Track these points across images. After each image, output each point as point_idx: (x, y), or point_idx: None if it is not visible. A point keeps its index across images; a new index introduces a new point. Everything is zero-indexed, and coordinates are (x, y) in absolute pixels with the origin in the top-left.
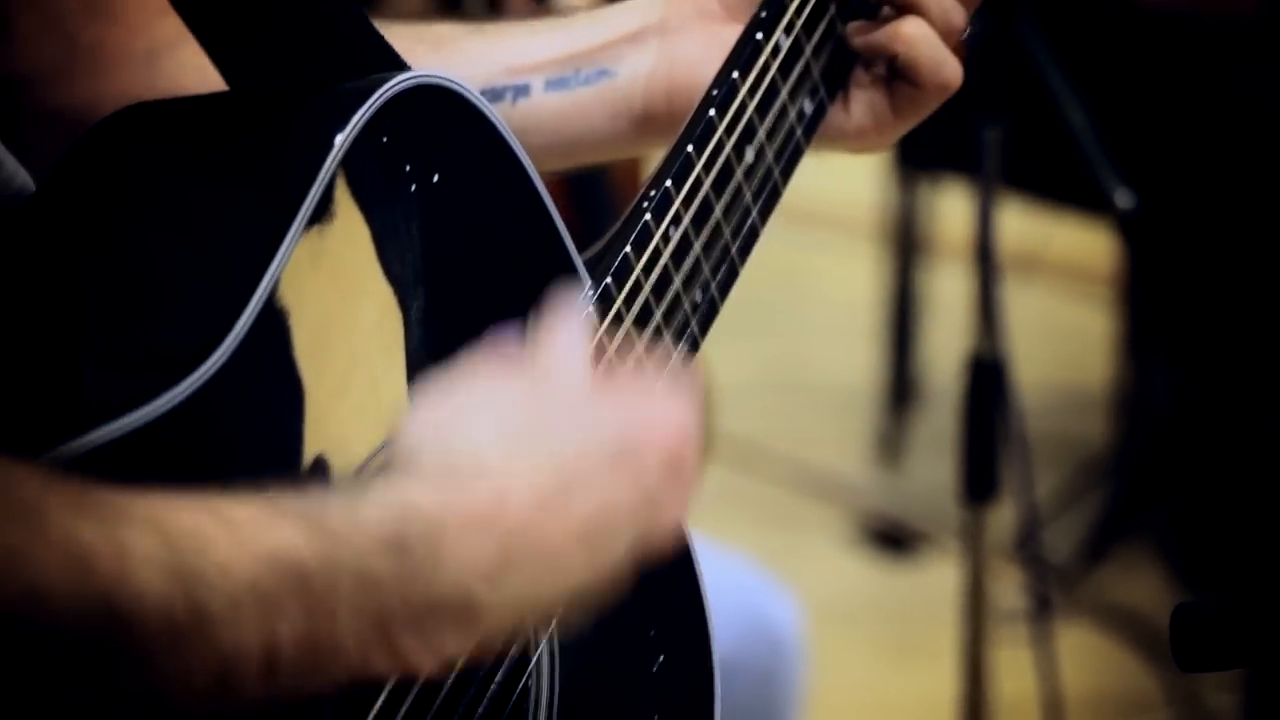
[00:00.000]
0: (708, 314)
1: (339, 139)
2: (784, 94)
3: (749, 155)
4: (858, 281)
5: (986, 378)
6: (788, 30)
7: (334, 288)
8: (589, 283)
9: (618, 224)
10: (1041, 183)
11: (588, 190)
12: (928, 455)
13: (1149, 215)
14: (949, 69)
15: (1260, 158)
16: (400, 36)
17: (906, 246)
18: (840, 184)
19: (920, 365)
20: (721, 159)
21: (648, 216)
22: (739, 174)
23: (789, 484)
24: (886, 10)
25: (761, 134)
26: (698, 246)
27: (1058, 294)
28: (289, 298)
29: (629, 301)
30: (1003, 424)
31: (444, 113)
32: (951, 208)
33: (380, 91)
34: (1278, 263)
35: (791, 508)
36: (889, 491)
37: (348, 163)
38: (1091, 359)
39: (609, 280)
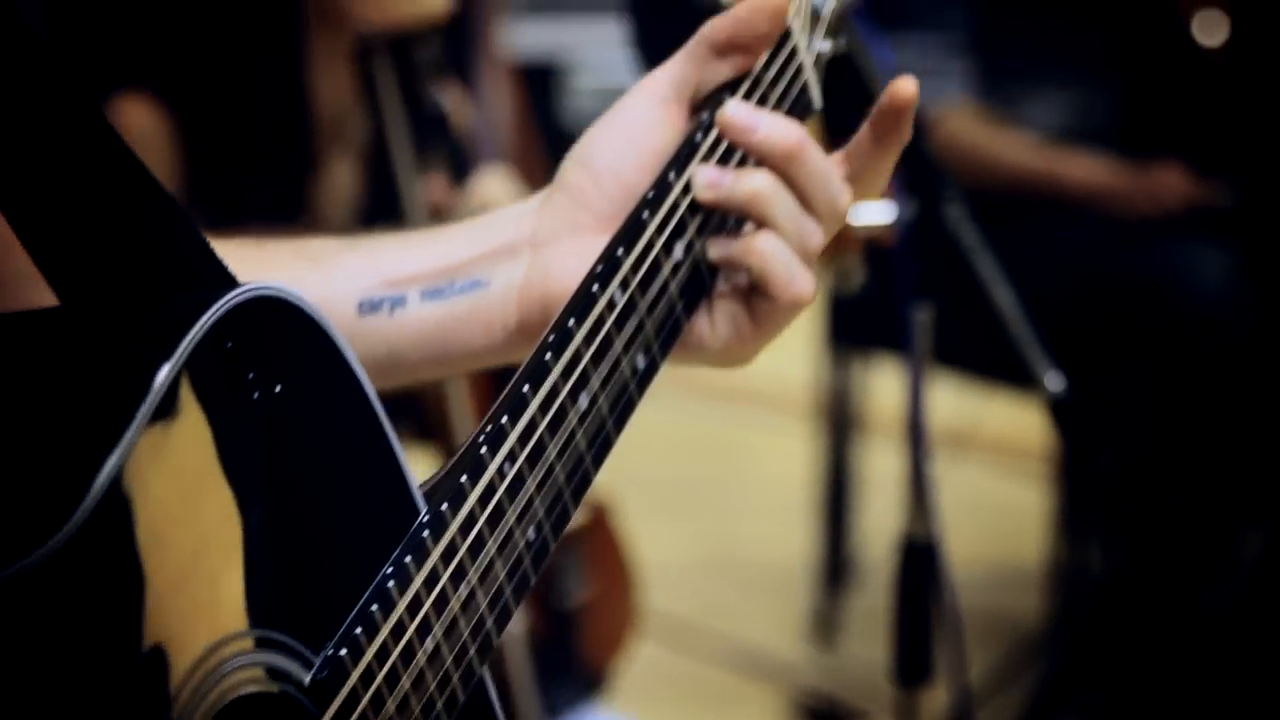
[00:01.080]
0: (539, 553)
1: (187, 336)
2: (618, 347)
3: (583, 402)
4: (792, 459)
5: (919, 559)
6: (623, 286)
7: (176, 483)
8: (424, 508)
9: (458, 453)
10: (973, 361)
11: None
12: (863, 633)
13: (1080, 397)
14: (801, 283)
15: (1185, 330)
16: (279, 252)
17: (840, 424)
18: (773, 362)
19: (855, 542)
20: (556, 404)
21: (484, 450)
22: (572, 419)
23: (723, 662)
24: (748, 226)
25: (595, 383)
26: (531, 486)
27: (992, 470)
28: (131, 487)
29: (464, 531)
30: (936, 605)
31: (289, 326)
32: (884, 385)
33: (229, 297)
34: (1212, 440)
35: (725, 686)
36: (824, 670)
37: (192, 363)
38: (1025, 535)
39: (444, 508)
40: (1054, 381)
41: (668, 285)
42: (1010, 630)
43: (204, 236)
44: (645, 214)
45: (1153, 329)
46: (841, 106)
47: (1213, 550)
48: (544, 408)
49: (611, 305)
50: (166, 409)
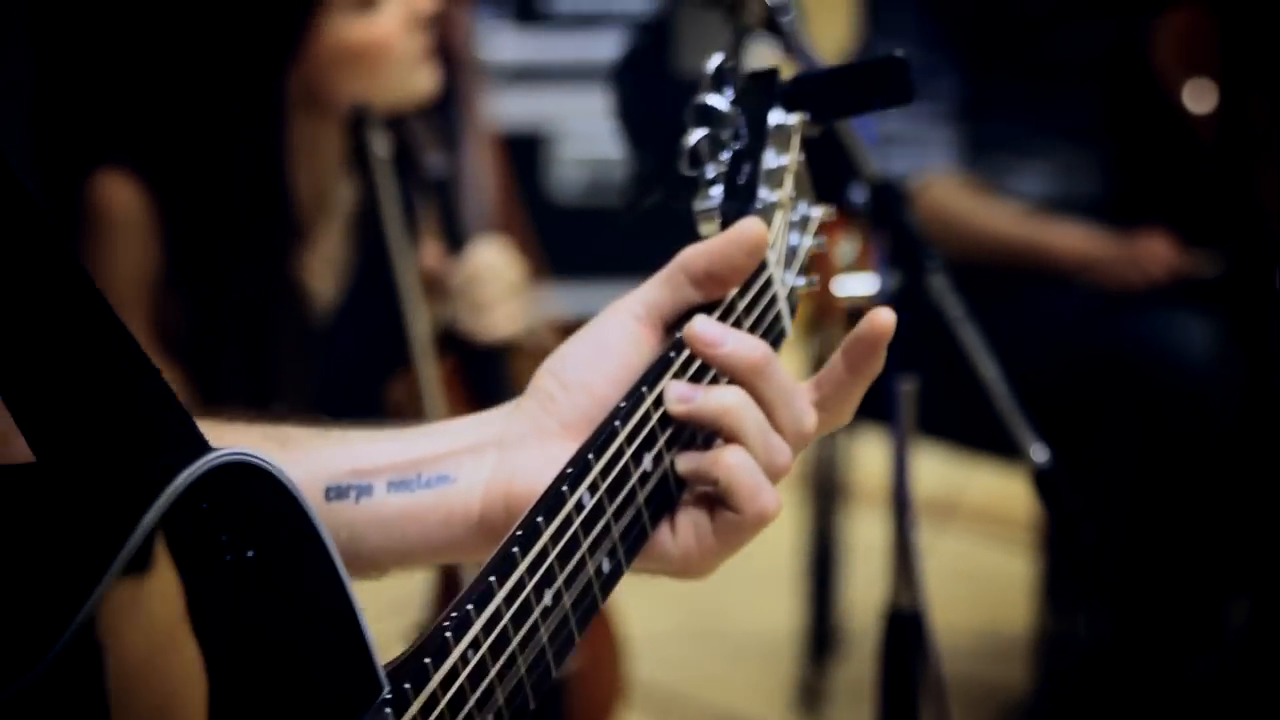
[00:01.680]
0: None
1: (166, 492)
2: (585, 547)
3: (547, 598)
4: (777, 528)
5: (904, 628)
6: (591, 489)
7: (146, 636)
8: (387, 686)
9: (423, 635)
10: (958, 432)
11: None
12: (849, 703)
13: (1064, 468)
14: (766, 499)
15: (1170, 400)
16: (248, 434)
17: (826, 494)
18: None
19: (841, 612)
20: (521, 598)
21: (448, 634)
22: (536, 613)
23: None
24: (717, 442)
25: (560, 581)
26: (493, 674)
27: (976, 538)
28: (103, 634)
29: (425, 713)
30: (921, 674)
31: (264, 493)
32: (869, 454)
33: (206, 459)
34: (1197, 511)
35: None
36: None
37: (168, 520)
38: (1010, 604)
39: (407, 687)
40: (1038, 452)
41: (635, 493)
42: (995, 699)
43: (179, 401)
44: (617, 423)
45: (1138, 398)
46: (826, 178)
47: (1197, 620)
48: (509, 600)
49: (580, 507)
50: (141, 563)
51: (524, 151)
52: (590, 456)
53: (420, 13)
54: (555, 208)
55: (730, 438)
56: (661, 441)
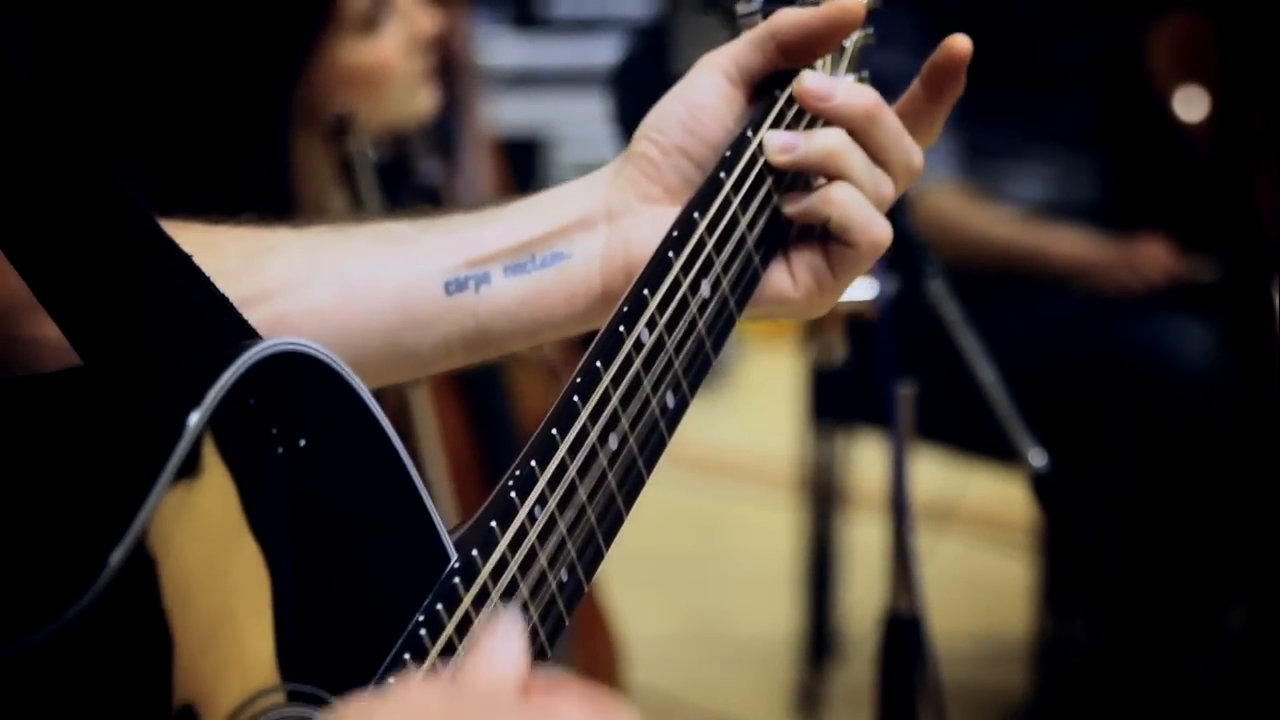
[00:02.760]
0: (574, 594)
1: (209, 395)
2: (646, 387)
3: (612, 443)
4: (776, 533)
5: (902, 633)
6: (650, 326)
7: (202, 542)
8: (455, 555)
9: (488, 500)
10: (956, 437)
11: (480, 383)
12: (847, 708)
13: (1062, 472)
14: (879, 228)
15: (1168, 404)
16: (358, 237)
17: (824, 498)
18: (758, 437)
19: (839, 616)
20: (586, 447)
21: (513, 494)
22: (603, 460)
23: None
24: (820, 180)
25: (625, 423)
26: (563, 528)
27: (975, 543)
28: (157, 547)
29: (495, 576)
30: (919, 679)
31: (311, 379)
32: (867, 459)
33: (249, 354)
34: (1196, 515)
35: None
36: None
37: (215, 421)
38: (1009, 608)
39: (475, 553)
40: (1037, 457)
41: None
42: (994, 704)
43: (219, 291)
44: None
45: (1135, 403)
46: None
47: (1196, 624)
48: (573, 451)
49: (639, 345)
50: (190, 468)
51: (522, 156)
52: (645, 291)
53: (421, 34)
54: None
55: (837, 177)
56: (718, 266)
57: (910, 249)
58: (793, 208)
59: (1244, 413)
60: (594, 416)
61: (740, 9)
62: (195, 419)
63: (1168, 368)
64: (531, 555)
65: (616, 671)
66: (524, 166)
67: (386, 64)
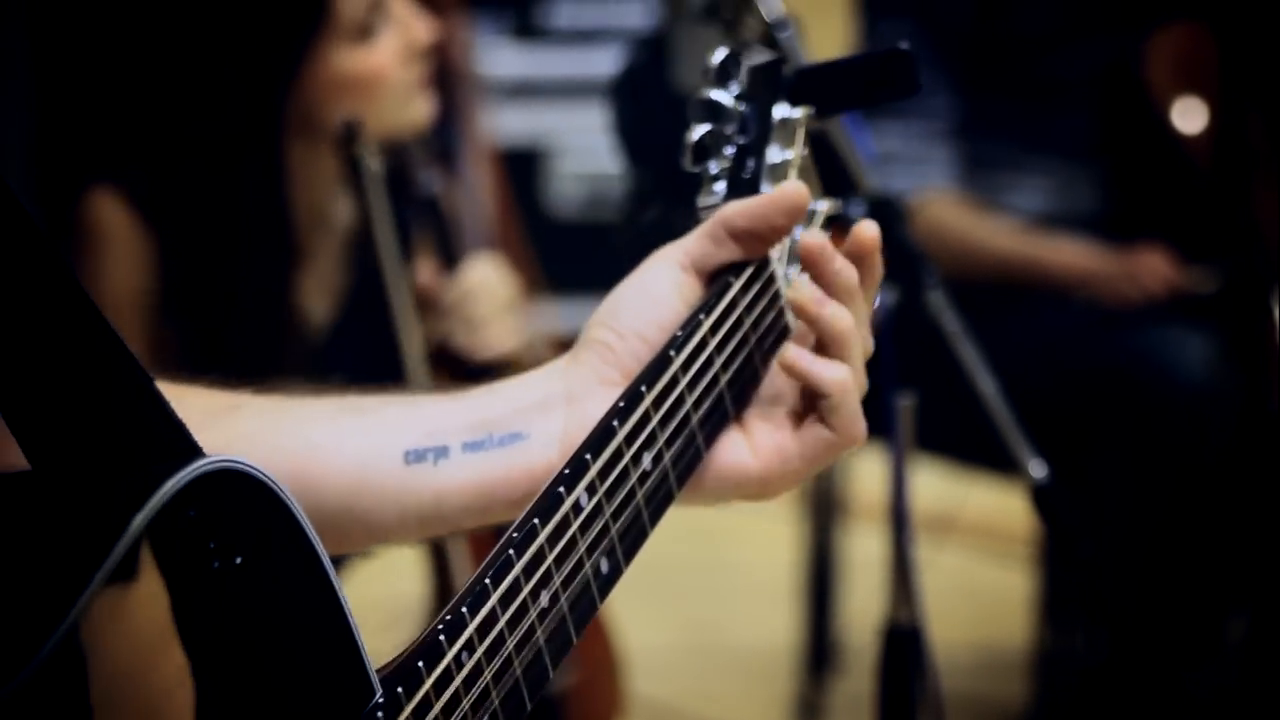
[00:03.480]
0: None
1: (151, 501)
2: (581, 548)
3: (544, 599)
4: (776, 544)
5: (902, 644)
6: (589, 491)
7: (132, 644)
8: (379, 690)
9: (416, 640)
10: (956, 448)
11: None
12: (847, 719)
13: (1062, 483)
14: (861, 425)
15: (1168, 416)
16: (322, 404)
17: (824, 509)
18: None
19: (839, 627)
20: (517, 600)
21: (441, 637)
22: (533, 614)
23: None
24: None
25: (557, 582)
26: (488, 676)
27: (974, 554)
28: (87, 641)
29: (418, 715)
30: (919, 690)
31: (253, 498)
32: (867, 469)
33: (193, 467)
34: (1195, 526)
35: None
36: None
37: (154, 527)
38: (1009, 619)
39: (399, 690)
40: (1036, 468)
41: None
42: (994, 715)
43: (170, 409)
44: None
45: (1135, 414)
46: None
47: (1196, 635)
48: (504, 601)
49: (578, 508)
50: (127, 570)
51: (522, 166)
52: (588, 456)
53: (417, 43)
54: (553, 223)
55: (838, 357)
56: (662, 441)
57: (910, 260)
58: (796, 362)
59: (1244, 424)
60: (528, 571)
61: (701, 200)
62: (136, 521)
63: (1167, 379)
64: (455, 700)
65: (616, 682)
66: (524, 177)
67: (381, 72)
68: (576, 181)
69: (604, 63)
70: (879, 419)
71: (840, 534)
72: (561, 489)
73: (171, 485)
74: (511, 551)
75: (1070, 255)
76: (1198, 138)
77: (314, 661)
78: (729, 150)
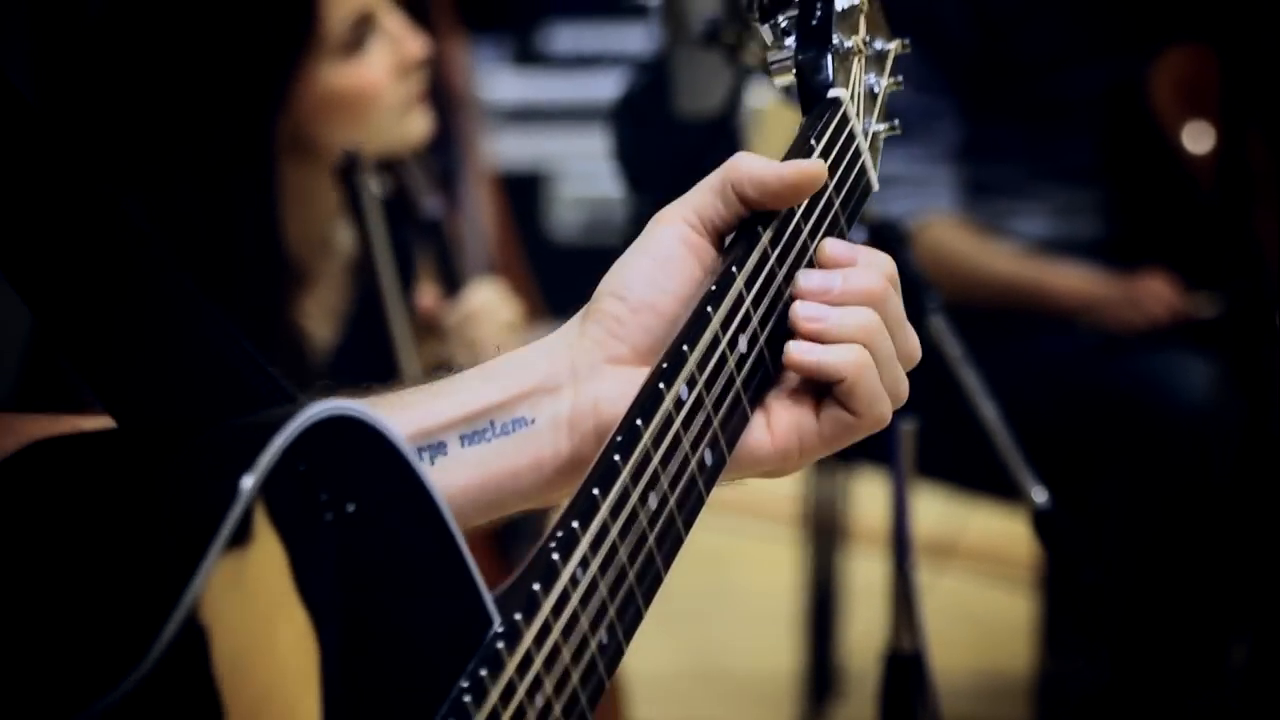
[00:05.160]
0: (614, 656)
1: (262, 460)
2: (687, 444)
3: (652, 502)
4: (777, 569)
5: (904, 670)
6: (689, 384)
7: (252, 610)
8: (498, 619)
9: (526, 560)
10: (957, 474)
11: None
12: None
13: (1064, 509)
14: (885, 406)
15: (1169, 441)
16: None
17: (825, 535)
18: None
19: (841, 653)
20: (628, 506)
21: (555, 556)
22: (643, 520)
23: None
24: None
25: (665, 483)
26: (604, 589)
27: (976, 579)
28: (209, 618)
29: (539, 641)
30: (922, 716)
31: (359, 444)
32: (869, 494)
33: (299, 419)
34: (1197, 552)
35: None
36: None
37: (267, 488)
38: (1011, 644)
39: (518, 617)
40: (1038, 493)
41: (734, 378)
42: None
43: (257, 353)
44: (709, 308)
45: (1137, 439)
46: None
47: (1198, 661)
48: (614, 511)
49: (679, 403)
50: (242, 536)
51: (523, 191)
52: (684, 347)
53: (409, 58)
54: (554, 247)
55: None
56: (755, 321)
57: (911, 284)
58: (800, 359)
59: (1246, 448)
60: (635, 476)
61: (771, 56)
62: (249, 484)
63: (1170, 404)
64: (574, 619)
65: (618, 708)
66: (525, 201)
67: (372, 87)
68: (577, 206)
69: (604, 87)
70: (880, 444)
71: (841, 559)
72: (661, 384)
73: (280, 442)
74: (616, 456)
75: (1073, 280)
76: (1201, 161)
77: (432, 597)
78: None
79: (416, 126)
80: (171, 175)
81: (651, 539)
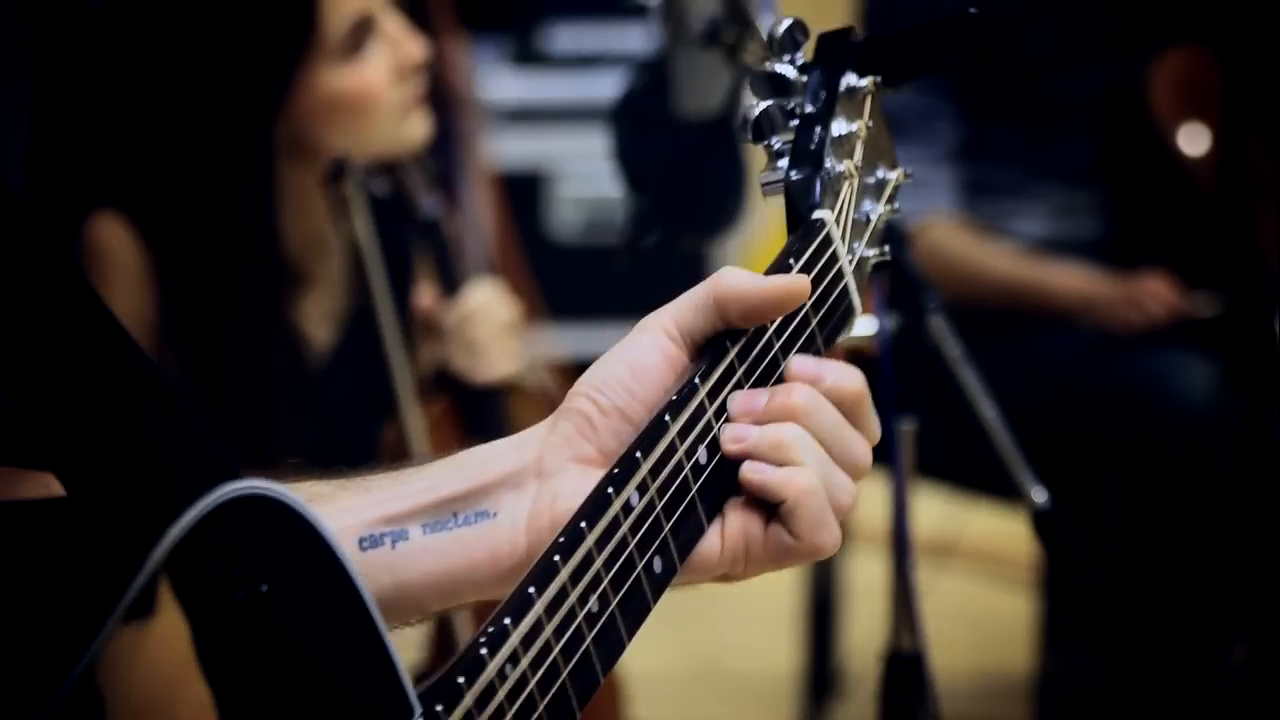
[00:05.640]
0: None
1: (169, 535)
2: (633, 550)
3: (593, 605)
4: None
5: (904, 671)
6: (640, 490)
7: (150, 682)
8: (418, 709)
9: (454, 658)
10: (957, 474)
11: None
12: None
13: (1063, 509)
14: (827, 534)
15: (1169, 441)
16: None
17: None
18: None
19: (841, 653)
20: (564, 606)
21: (483, 651)
22: (581, 621)
23: None
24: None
25: (607, 586)
26: (534, 687)
27: (976, 579)
28: (105, 683)
29: None
30: (922, 716)
31: (277, 522)
32: (868, 494)
33: (213, 496)
34: (1196, 552)
35: None
36: None
37: (173, 562)
38: (1011, 644)
39: (439, 709)
40: (1038, 494)
41: (688, 486)
42: None
43: (203, 428)
44: (667, 418)
45: (1136, 440)
46: None
47: (1198, 661)
48: (550, 610)
49: (628, 508)
50: (144, 607)
51: (522, 191)
52: (638, 454)
53: (408, 62)
54: (554, 248)
55: (789, 461)
56: (717, 432)
57: (911, 285)
58: (751, 476)
59: (1245, 449)
60: (575, 576)
61: (762, 177)
62: (153, 557)
63: (1169, 404)
64: (499, 713)
65: (617, 708)
66: (524, 202)
67: (371, 91)
68: (576, 206)
69: (604, 87)
70: (880, 445)
71: (842, 560)
72: (610, 489)
73: (191, 516)
74: (557, 557)
75: (1072, 280)
76: (1200, 162)
77: (349, 683)
78: (791, 124)
79: (415, 129)
80: (170, 177)
81: (589, 640)
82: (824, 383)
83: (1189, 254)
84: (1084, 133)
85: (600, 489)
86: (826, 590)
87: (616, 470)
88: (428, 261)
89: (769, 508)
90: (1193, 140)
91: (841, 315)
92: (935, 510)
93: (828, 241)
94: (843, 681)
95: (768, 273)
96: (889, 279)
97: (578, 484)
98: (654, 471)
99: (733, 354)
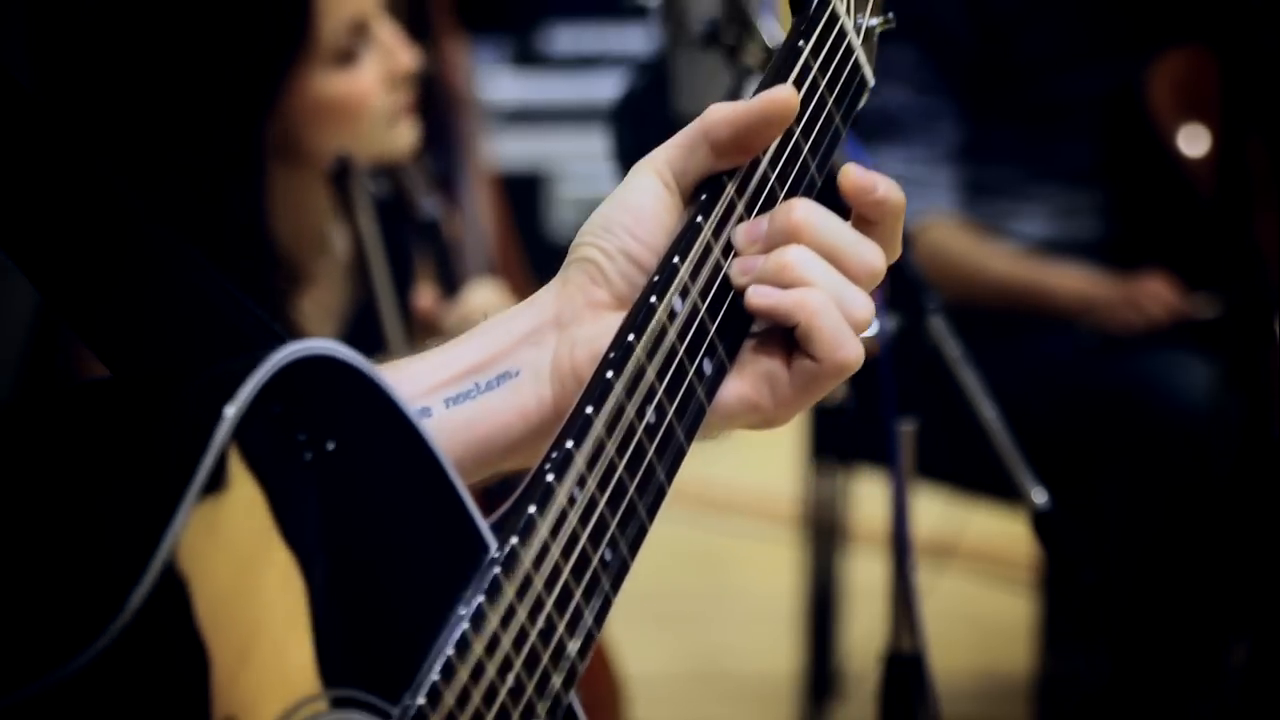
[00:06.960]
0: (619, 572)
1: (229, 410)
2: (683, 355)
3: (650, 415)
4: (777, 571)
5: (904, 672)
6: (682, 294)
7: (233, 556)
8: (494, 545)
9: (520, 486)
10: (957, 475)
11: None
12: None
13: (1063, 510)
14: (849, 350)
15: (1169, 442)
16: None
17: (825, 536)
18: (758, 474)
19: (841, 654)
20: (624, 421)
21: (550, 477)
22: (641, 434)
23: None
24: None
25: (662, 394)
26: (604, 506)
27: (976, 580)
28: (187, 566)
29: (538, 563)
30: (921, 718)
31: (336, 382)
32: (868, 495)
33: (269, 363)
34: (1196, 553)
35: None
36: None
37: (240, 433)
38: (1010, 645)
39: (514, 541)
40: (1038, 494)
41: (729, 286)
42: None
43: (243, 295)
44: (699, 218)
45: (1137, 440)
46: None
47: (1198, 662)
48: (610, 427)
49: (673, 314)
50: (217, 483)
51: (523, 192)
52: (675, 259)
53: (400, 69)
54: (554, 248)
55: (795, 282)
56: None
57: (911, 285)
58: (758, 302)
59: (1246, 449)
60: (629, 389)
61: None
62: (220, 432)
63: (1169, 405)
64: (573, 538)
65: (617, 709)
66: (524, 202)
67: (362, 97)
68: (577, 207)
69: (604, 88)
70: (880, 445)
71: (841, 560)
72: (654, 297)
73: (251, 387)
74: (610, 373)
75: (1072, 281)
76: (1200, 163)
77: (423, 529)
78: None
79: (403, 137)
80: (162, 176)
81: (651, 451)
82: (875, 193)
83: (1189, 255)
84: (1084, 133)
85: (643, 299)
86: (826, 591)
87: (656, 278)
88: (428, 262)
89: (787, 343)
90: (1193, 141)
91: (856, 89)
92: (935, 511)
93: (834, 18)
94: (842, 682)
95: (776, 56)
96: (889, 279)
97: (595, 329)
98: (693, 274)
99: (766, 160)
